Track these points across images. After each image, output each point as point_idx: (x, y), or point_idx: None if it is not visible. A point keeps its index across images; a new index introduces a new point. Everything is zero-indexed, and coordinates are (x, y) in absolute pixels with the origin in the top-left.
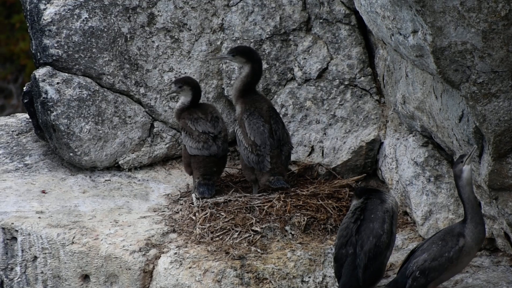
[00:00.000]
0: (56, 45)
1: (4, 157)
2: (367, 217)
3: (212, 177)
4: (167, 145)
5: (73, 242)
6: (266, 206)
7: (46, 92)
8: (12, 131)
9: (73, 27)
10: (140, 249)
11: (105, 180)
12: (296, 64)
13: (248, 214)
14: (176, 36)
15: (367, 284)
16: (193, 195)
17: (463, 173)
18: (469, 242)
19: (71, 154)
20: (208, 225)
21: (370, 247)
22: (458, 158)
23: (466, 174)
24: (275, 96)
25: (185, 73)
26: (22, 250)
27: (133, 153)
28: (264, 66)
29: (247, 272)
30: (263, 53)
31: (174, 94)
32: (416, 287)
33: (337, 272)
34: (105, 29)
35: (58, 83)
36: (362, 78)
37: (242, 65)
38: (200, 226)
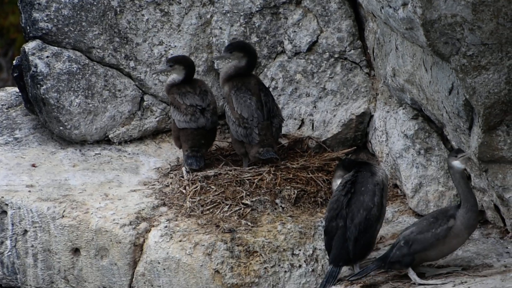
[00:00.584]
0: (45, 18)
1: None
2: (357, 190)
3: (201, 149)
4: (157, 119)
5: (63, 216)
6: (256, 180)
7: (35, 66)
8: (2, 105)
9: (62, 0)
10: (130, 222)
11: (95, 153)
12: (286, 37)
13: (238, 188)
14: (166, 10)
15: (357, 257)
16: (183, 168)
17: (453, 168)
18: (458, 225)
19: (61, 128)
20: (198, 198)
21: (360, 220)
22: (453, 151)
23: (456, 169)
24: (265, 70)
25: (175, 46)
26: (12, 224)
27: (123, 126)
28: (254, 39)
29: (237, 245)
30: (253, 26)
31: (165, 72)
32: (399, 256)
33: (327, 245)
34: (95, 3)
35: (47, 56)
36: (352, 51)
37: (239, 60)
38: (190, 199)
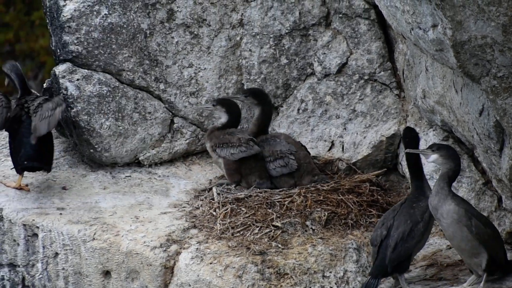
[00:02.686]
0: (76, 41)
1: None
2: (409, 205)
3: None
4: (187, 141)
5: (94, 238)
6: (286, 201)
7: (66, 89)
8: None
9: (92, 23)
10: (161, 245)
11: (126, 176)
12: (315, 59)
13: (268, 210)
14: (195, 32)
15: (394, 266)
16: (214, 190)
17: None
18: None
19: (92, 150)
20: (228, 220)
21: (404, 229)
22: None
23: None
24: (295, 91)
25: (205, 68)
26: (43, 247)
27: (153, 149)
28: (284, 61)
29: (268, 267)
30: (283, 48)
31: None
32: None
33: (372, 256)
34: (125, 25)
35: (78, 79)
36: (382, 73)
37: (253, 106)
38: (220, 221)
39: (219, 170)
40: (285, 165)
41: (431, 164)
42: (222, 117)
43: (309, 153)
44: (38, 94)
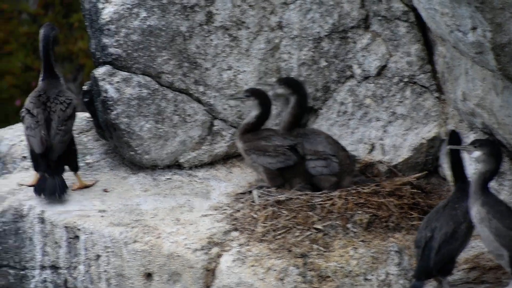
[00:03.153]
0: (115, 44)
1: None
2: (452, 206)
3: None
4: (227, 144)
5: (135, 241)
6: (327, 204)
7: (106, 91)
8: (73, 130)
9: (131, 26)
10: (202, 247)
11: (166, 178)
12: (355, 62)
13: (309, 212)
14: (234, 34)
15: (438, 268)
16: (254, 193)
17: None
18: None
19: (132, 152)
20: (270, 223)
21: (447, 230)
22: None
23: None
24: (334, 94)
25: (244, 71)
26: (85, 249)
27: (193, 151)
28: (323, 63)
29: (309, 270)
30: (322, 50)
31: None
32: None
33: (416, 258)
34: (164, 28)
35: (117, 82)
36: (422, 75)
37: (288, 96)
38: (262, 224)
39: (254, 172)
40: (326, 166)
41: (471, 167)
42: (253, 110)
43: (349, 155)
44: (60, 77)
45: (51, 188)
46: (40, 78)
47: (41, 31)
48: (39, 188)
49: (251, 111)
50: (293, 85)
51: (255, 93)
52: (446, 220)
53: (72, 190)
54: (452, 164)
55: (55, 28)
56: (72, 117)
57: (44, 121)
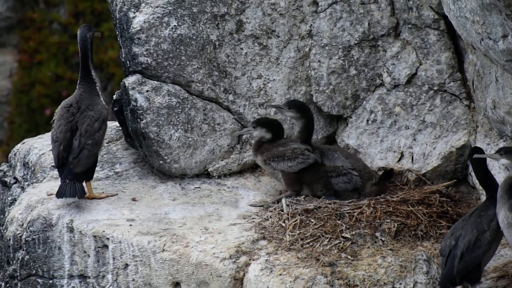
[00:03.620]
0: (145, 53)
1: None
2: (477, 214)
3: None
4: None
5: (163, 250)
6: (356, 213)
7: (135, 100)
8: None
9: (162, 35)
10: (230, 256)
11: (195, 187)
12: (385, 70)
13: (338, 221)
14: (264, 43)
15: (462, 276)
16: (283, 201)
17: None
18: None
19: (161, 161)
20: (298, 232)
21: (470, 238)
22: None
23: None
24: (364, 102)
25: (274, 79)
26: (114, 258)
27: (222, 160)
28: (353, 72)
29: (337, 279)
30: (352, 59)
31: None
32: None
33: (441, 266)
34: (194, 37)
35: (147, 91)
36: (452, 83)
37: (294, 119)
38: (290, 233)
39: (276, 181)
40: (349, 181)
41: (500, 175)
42: (266, 136)
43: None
44: (97, 82)
45: (72, 191)
46: (78, 83)
47: (78, 32)
48: (61, 192)
49: (263, 137)
50: (301, 109)
51: (260, 123)
52: (470, 228)
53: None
54: (477, 174)
55: (92, 29)
56: (100, 130)
57: (65, 134)
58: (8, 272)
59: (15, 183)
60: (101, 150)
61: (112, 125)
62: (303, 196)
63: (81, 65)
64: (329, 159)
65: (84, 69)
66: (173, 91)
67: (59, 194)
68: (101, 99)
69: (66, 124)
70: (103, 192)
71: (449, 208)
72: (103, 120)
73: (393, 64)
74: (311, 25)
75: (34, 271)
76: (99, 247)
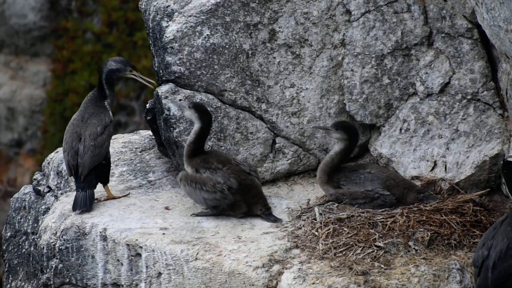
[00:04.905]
0: (178, 62)
1: (128, 173)
2: (508, 222)
3: None
4: (289, 161)
5: (196, 258)
6: (389, 222)
7: (168, 109)
8: (136, 148)
9: (195, 44)
10: (263, 265)
11: None
12: (418, 79)
13: (371, 230)
14: (297, 52)
15: (495, 284)
16: (316, 210)
17: None
18: None
19: None
20: (331, 240)
21: (501, 248)
22: None
23: None
24: (397, 111)
25: (307, 88)
26: (147, 267)
27: None
28: (386, 81)
29: None
30: (385, 68)
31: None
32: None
33: (475, 276)
34: (227, 46)
35: (180, 99)
36: (485, 92)
37: (339, 140)
38: (323, 241)
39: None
40: (383, 203)
41: None
42: (338, 143)
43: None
44: (107, 98)
45: (82, 202)
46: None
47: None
48: (74, 204)
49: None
50: (351, 132)
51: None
52: (501, 237)
53: (103, 200)
54: (509, 184)
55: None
56: (103, 134)
57: (71, 143)
58: (42, 280)
59: (48, 191)
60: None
61: (145, 134)
62: (336, 205)
63: (98, 83)
64: (357, 183)
65: (99, 84)
66: (206, 100)
67: (73, 207)
68: (108, 111)
69: (71, 135)
70: (129, 193)
71: (482, 217)
72: (105, 126)
73: (426, 73)
74: (344, 34)
75: (67, 280)
76: (132, 255)
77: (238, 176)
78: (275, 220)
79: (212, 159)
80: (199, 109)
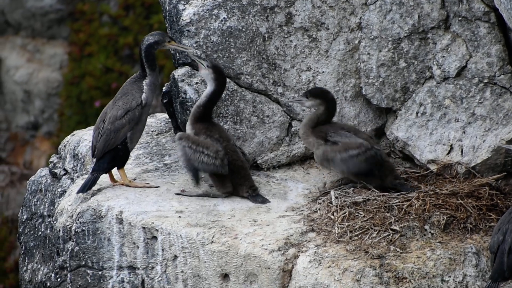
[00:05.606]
0: (195, 45)
1: (144, 157)
2: None
3: None
4: (305, 144)
5: (212, 241)
6: (405, 205)
7: (185, 92)
8: (152, 131)
9: (211, 27)
10: (279, 248)
11: None
12: (434, 63)
13: (387, 213)
14: (314, 36)
15: (511, 269)
16: (332, 193)
17: None
18: None
19: None
20: (346, 224)
21: None
22: None
23: None
24: (413, 95)
25: (323, 72)
26: (163, 250)
27: (271, 152)
28: (402, 64)
29: (386, 272)
30: (401, 51)
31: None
32: None
33: (491, 262)
34: (243, 29)
35: (197, 83)
36: (502, 76)
37: (314, 107)
38: (338, 225)
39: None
40: (375, 155)
41: None
42: (315, 108)
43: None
44: (147, 77)
45: (82, 185)
46: None
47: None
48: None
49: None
50: (322, 95)
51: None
52: None
53: (119, 184)
54: None
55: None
56: (122, 118)
57: (98, 124)
58: (58, 263)
59: (64, 174)
60: (150, 142)
61: (162, 117)
62: (352, 188)
63: (140, 62)
64: (348, 137)
65: (140, 64)
66: None
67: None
68: (141, 93)
69: (101, 114)
70: (147, 183)
71: (498, 201)
72: (128, 110)
73: (443, 56)
74: (360, 17)
75: (83, 262)
76: (148, 238)
77: (231, 156)
78: (263, 201)
79: (215, 130)
80: (217, 70)
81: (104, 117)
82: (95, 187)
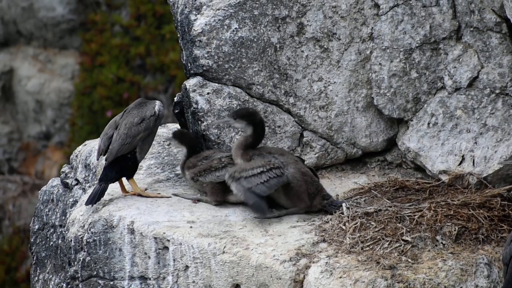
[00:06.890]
0: (206, 55)
1: (156, 167)
2: None
3: None
4: (317, 155)
5: (224, 252)
6: (416, 216)
7: (196, 102)
8: (163, 141)
9: (223, 37)
10: (290, 258)
11: None
12: (446, 73)
13: (398, 224)
14: (325, 46)
15: None
16: (343, 204)
17: None
18: None
19: None
20: (358, 234)
21: None
22: None
23: None
24: (425, 105)
25: (334, 82)
26: (174, 260)
27: None
28: (414, 75)
29: (397, 282)
30: (413, 62)
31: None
32: None
33: (503, 273)
34: (255, 39)
35: (208, 93)
36: None
37: (242, 129)
38: (350, 235)
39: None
40: (276, 177)
41: None
42: (245, 131)
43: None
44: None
45: (90, 197)
46: None
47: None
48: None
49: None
50: (249, 117)
51: (240, 115)
52: None
53: (131, 194)
54: None
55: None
56: (139, 125)
57: (108, 129)
58: (69, 273)
59: (76, 184)
60: (162, 152)
61: (173, 127)
62: (364, 199)
63: None
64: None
65: None
66: (233, 93)
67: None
68: (154, 105)
69: (110, 124)
70: (159, 193)
71: (510, 211)
72: (143, 118)
73: (455, 67)
74: (372, 28)
75: (95, 272)
76: (159, 248)
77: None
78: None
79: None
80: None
81: (113, 125)
82: (106, 197)
